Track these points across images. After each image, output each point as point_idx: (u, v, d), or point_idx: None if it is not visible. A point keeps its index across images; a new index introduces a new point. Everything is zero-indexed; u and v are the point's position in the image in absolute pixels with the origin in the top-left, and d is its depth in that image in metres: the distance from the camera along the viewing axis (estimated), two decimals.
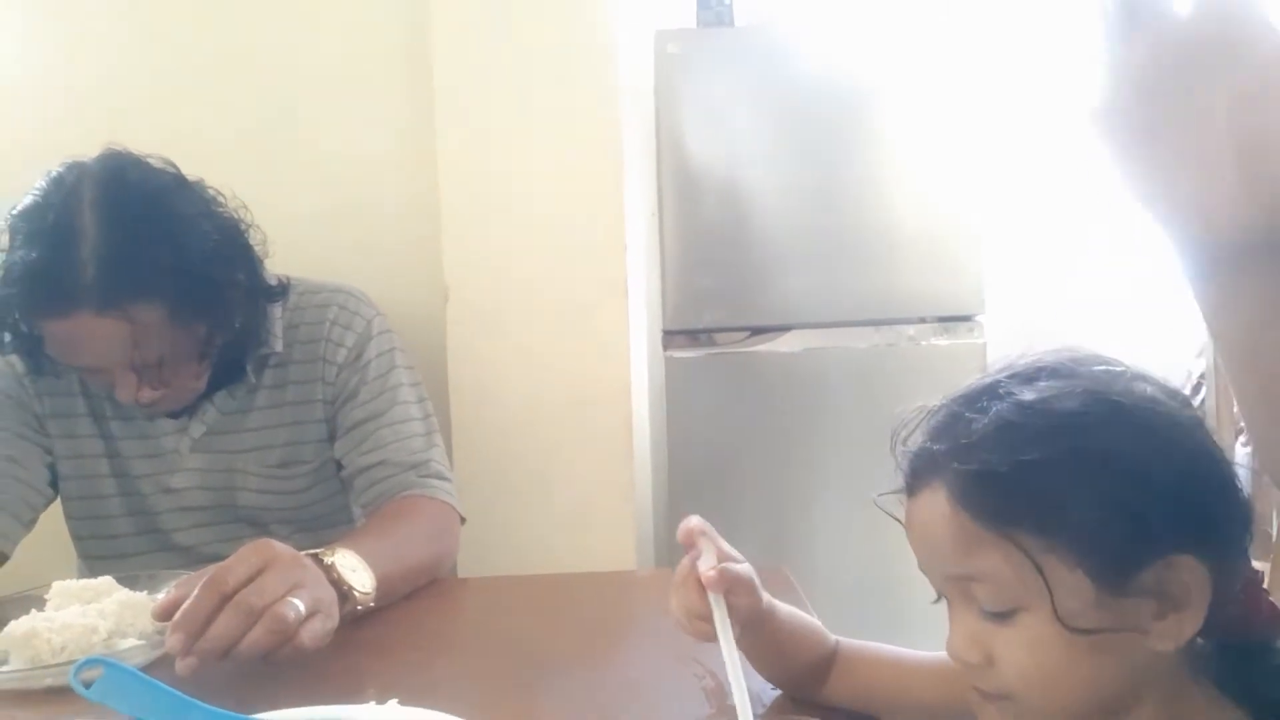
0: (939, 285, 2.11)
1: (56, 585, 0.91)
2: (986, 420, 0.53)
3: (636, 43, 1.98)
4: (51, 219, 0.98)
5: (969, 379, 0.60)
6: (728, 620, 0.66)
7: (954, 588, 0.57)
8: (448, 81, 1.46)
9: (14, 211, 1.01)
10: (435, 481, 1.13)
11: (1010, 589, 0.53)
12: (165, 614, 0.76)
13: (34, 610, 0.87)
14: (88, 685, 0.60)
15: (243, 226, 1.11)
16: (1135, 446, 0.51)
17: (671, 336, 2.08)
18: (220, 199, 1.11)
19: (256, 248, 1.13)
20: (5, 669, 0.82)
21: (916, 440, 0.58)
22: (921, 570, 0.59)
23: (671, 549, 2.09)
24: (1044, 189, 2.56)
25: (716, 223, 2.07)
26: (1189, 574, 0.51)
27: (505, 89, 1.46)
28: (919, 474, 0.57)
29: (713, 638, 0.66)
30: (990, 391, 0.55)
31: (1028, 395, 0.53)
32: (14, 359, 1.11)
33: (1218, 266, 0.44)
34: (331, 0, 1.54)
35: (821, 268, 2.07)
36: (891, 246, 2.08)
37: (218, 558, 0.96)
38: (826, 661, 0.76)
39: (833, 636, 0.77)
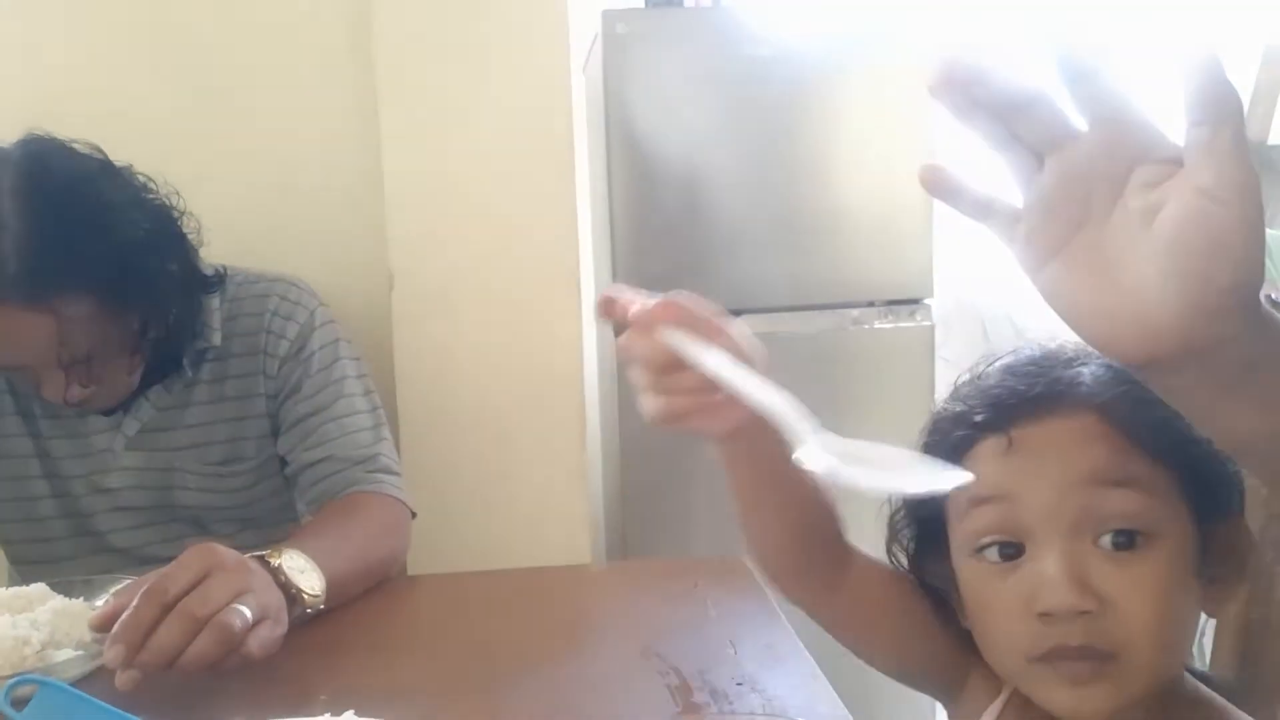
0: (888, 269, 2.12)
1: None
2: None
3: (584, 22, 1.94)
4: None
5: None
6: (718, 359, 0.53)
7: (1077, 519, 0.55)
8: (391, 59, 1.41)
9: None
10: (384, 476, 1.09)
11: (1153, 514, 0.53)
12: (104, 624, 0.72)
13: None
14: (19, 706, 0.57)
15: (175, 214, 1.07)
16: None
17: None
18: (151, 185, 1.06)
19: (190, 236, 1.08)
20: None
21: (1018, 375, 0.59)
22: (1012, 510, 0.57)
23: (625, 541, 2.07)
24: (992, 171, 2.59)
25: (666, 207, 2.05)
26: (1247, 537, 0.52)
27: (451, 67, 1.41)
28: (1046, 401, 0.57)
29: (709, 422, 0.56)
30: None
31: None
32: None
33: (1137, 374, 0.44)
34: None
35: (771, 252, 2.07)
36: (841, 230, 2.08)
37: (158, 559, 0.93)
38: (839, 551, 0.70)
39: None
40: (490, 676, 0.81)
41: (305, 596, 0.84)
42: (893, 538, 0.71)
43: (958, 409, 0.64)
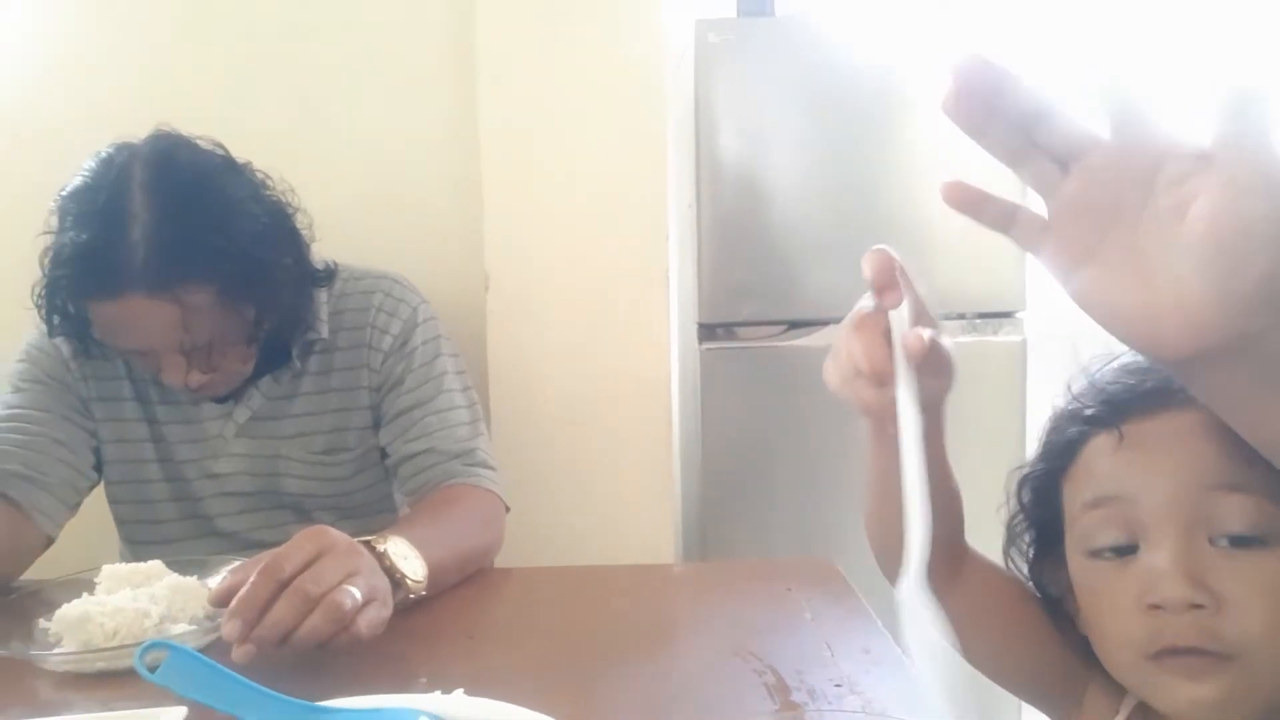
0: (979, 281, 2.07)
1: (106, 569, 0.91)
2: None
3: (678, 32, 1.96)
4: (102, 200, 0.97)
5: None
6: (915, 397, 0.53)
7: (1192, 518, 0.54)
8: (492, 68, 1.45)
9: (63, 193, 1.00)
10: (481, 470, 1.12)
11: (1272, 520, 0.52)
12: (222, 600, 0.75)
13: (85, 594, 0.87)
14: (152, 669, 0.60)
15: (290, 210, 1.11)
16: None
17: (706, 329, 2.06)
18: (268, 181, 1.10)
19: (304, 231, 1.12)
20: (58, 651, 0.81)
21: (1132, 372, 0.59)
22: (1126, 508, 0.57)
23: (704, 543, 2.07)
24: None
25: (753, 215, 2.04)
26: None
27: (549, 76, 1.45)
28: (1158, 395, 0.57)
29: (873, 409, 0.56)
30: None
31: None
32: (61, 342, 1.10)
33: (1178, 372, 0.44)
34: None
35: (859, 262, 2.04)
36: (930, 241, 2.05)
37: (261, 544, 0.96)
38: (957, 551, 0.70)
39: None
40: (588, 666, 0.82)
41: (409, 582, 0.86)
42: (1010, 542, 0.70)
43: (1072, 406, 0.63)
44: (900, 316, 0.55)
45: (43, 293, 1.02)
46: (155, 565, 0.92)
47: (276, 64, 1.53)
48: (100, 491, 1.19)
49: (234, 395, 1.15)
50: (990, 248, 2.06)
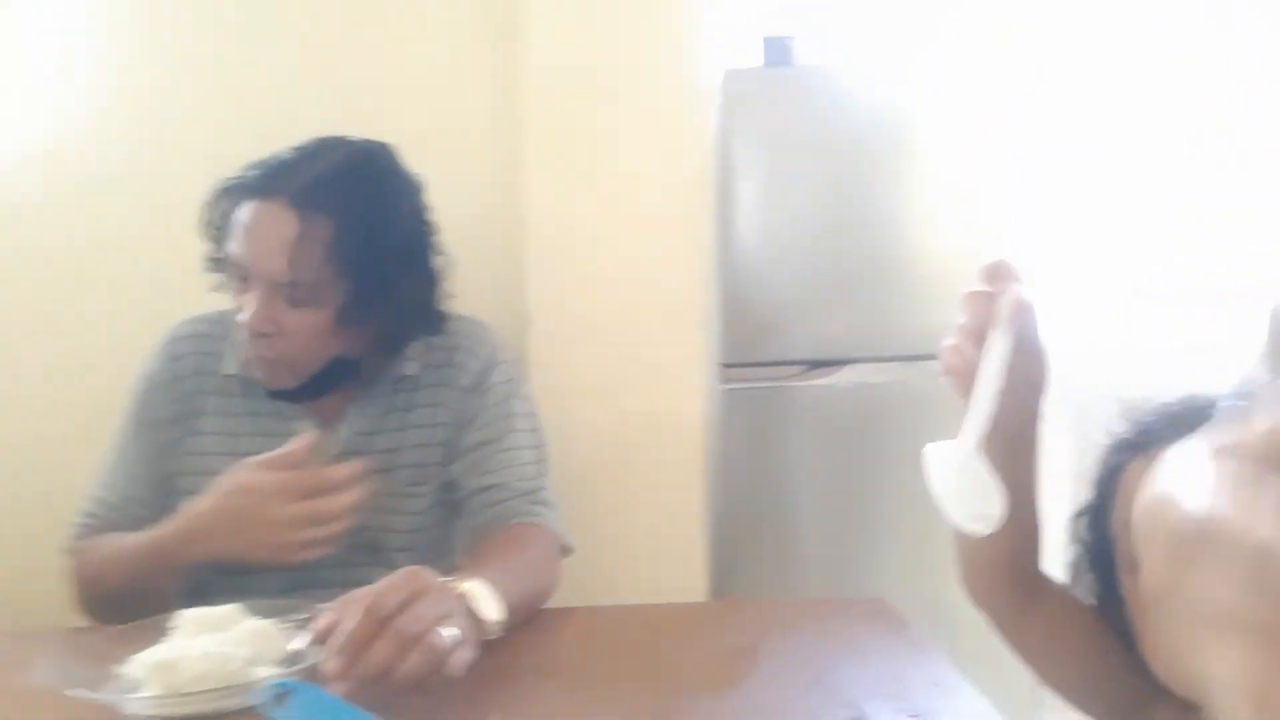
0: None
1: (183, 614, 0.91)
2: None
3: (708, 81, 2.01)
4: (293, 148, 1.12)
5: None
6: (1001, 359, 0.63)
7: None
8: (536, 113, 1.50)
9: None
10: (544, 510, 1.14)
11: None
12: (324, 636, 0.77)
13: (164, 638, 0.88)
14: (277, 706, 0.61)
15: (439, 265, 1.19)
16: None
17: (728, 369, 2.09)
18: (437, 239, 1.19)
19: (442, 284, 1.19)
20: (144, 695, 0.82)
21: (1169, 403, 0.65)
22: None
23: (724, 582, 2.08)
24: (1101, 224, 2.57)
25: (774, 256, 2.09)
26: None
27: (592, 121, 1.49)
28: (1190, 420, 0.59)
29: (961, 383, 0.65)
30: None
31: None
32: (171, 363, 1.18)
33: None
34: (420, 26, 1.57)
35: (880, 302, 2.09)
36: (950, 281, 2.09)
37: (327, 583, 0.97)
38: (1034, 576, 0.74)
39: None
40: (664, 701, 0.83)
41: (487, 624, 0.88)
42: (1076, 577, 0.72)
43: (1112, 441, 0.66)
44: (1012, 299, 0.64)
45: (209, 213, 1.14)
46: (231, 609, 0.93)
47: (318, 102, 1.55)
48: None
49: (325, 425, 1.17)
50: None
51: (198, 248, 1.18)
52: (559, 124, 1.49)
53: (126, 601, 0.99)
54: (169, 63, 1.58)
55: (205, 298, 1.21)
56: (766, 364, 2.09)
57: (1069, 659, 0.72)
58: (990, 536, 0.69)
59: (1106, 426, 0.71)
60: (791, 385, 2.09)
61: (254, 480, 0.97)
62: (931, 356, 2.14)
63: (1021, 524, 0.70)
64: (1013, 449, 0.69)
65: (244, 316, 1.09)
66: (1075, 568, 0.73)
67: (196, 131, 1.57)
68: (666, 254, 1.50)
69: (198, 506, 1.00)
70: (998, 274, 0.67)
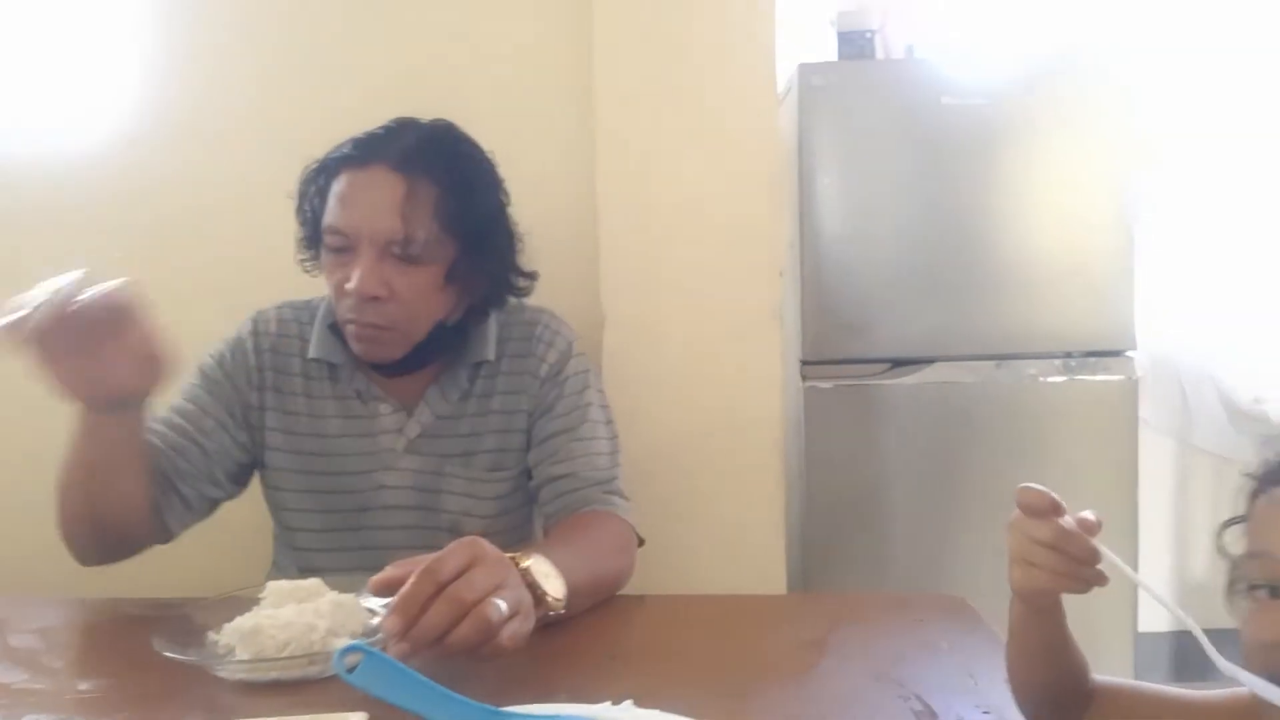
0: (1086, 320, 2.05)
1: (271, 585, 0.96)
2: None
3: (781, 75, 2.01)
4: (377, 127, 1.17)
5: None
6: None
7: None
8: (609, 110, 1.51)
9: None
10: (617, 499, 1.16)
11: None
12: (382, 589, 0.79)
13: (254, 608, 0.92)
14: (349, 670, 0.64)
15: (518, 242, 1.25)
16: None
17: (809, 366, 2.08)
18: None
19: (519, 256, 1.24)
20: (235, 659, 0.86)
21: None
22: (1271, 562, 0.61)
23: (807, 578, 2.06)
24: (1199, 218, 2.47)
25: (856, 253, 2.07)
26: None
27: (665, 118, 1.50)
28: None
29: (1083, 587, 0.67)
30: None
31: None
32: (252, 349, 1.22)
33: None
34: (497, 28, 1.59)
35: (964, 300, 2.05)
36: (1036, 278, 2.05)
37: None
38: (1086, 691, 0.75)
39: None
40: (733, 687, 0.83)
41: (549, 599, 0.89)
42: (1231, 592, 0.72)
43: (1254, 469, 0.68)
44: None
45: (303, 192, 1.19)
46: (315, 583, 0.97)
47: (398, 102, 1.60)
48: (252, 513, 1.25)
49: (406, 409, 1.21)
50: (1098, 285, 2.05)
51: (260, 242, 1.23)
52: (633, 124, 1.50)
53: (98, 504, 1.03)
54: (257, 57, 1.63)
55: (250, 296, 1.29)
56: (849, 361, 2.07)
57: None
58: (1053, 669, 0.74)
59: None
60: (875, 383, 2.06)
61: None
62: (1018, 355, 2.13)
63: (1069, 666, 0.74)
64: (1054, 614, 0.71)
65: (352, 284, 1.11)
66: (1231, 580, 0.73)
67: (243, 143, 1.62)
68: (742, 251, 1.50)
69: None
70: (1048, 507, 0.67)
